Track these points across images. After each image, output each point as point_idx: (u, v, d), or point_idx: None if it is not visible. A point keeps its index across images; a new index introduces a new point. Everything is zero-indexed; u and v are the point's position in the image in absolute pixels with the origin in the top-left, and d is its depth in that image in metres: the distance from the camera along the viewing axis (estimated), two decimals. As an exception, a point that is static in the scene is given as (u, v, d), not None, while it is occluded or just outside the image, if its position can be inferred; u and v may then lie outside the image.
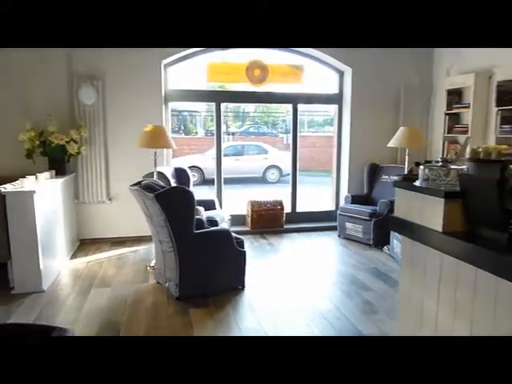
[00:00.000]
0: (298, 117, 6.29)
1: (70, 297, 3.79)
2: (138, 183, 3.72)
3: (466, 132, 5.28)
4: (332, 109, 6.42)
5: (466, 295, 2.01)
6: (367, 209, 5.46)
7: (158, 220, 3.50)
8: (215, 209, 5.30)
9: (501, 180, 2.07)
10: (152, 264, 4.45)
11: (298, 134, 6.36)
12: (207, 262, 3.65)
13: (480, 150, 2.42)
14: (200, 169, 10.94)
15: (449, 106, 5.58)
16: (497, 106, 4.78)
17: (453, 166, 2.31)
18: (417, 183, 2.32)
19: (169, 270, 3.72)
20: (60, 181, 4.64)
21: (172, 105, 6.00)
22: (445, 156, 5.19)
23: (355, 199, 5.88)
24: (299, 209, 6.48)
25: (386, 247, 5.17)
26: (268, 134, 13.79)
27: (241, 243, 3.85)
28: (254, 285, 4.04)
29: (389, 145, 5.08)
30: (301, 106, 6.28)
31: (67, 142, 4.86)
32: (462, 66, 5.52)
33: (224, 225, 4.93)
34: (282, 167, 11.44)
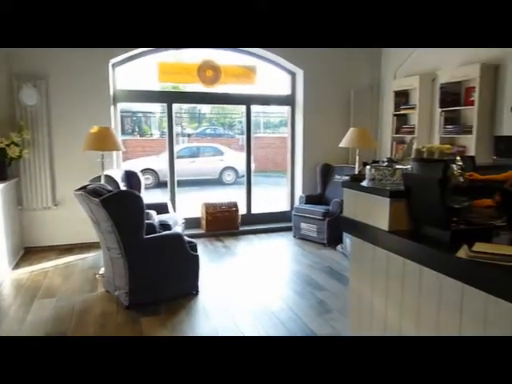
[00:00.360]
0: (253, 118, 6.28)
1: (12, 308, 3.56)
2: (84, 187, 3.55)
3: (412, 132, 5.47)
4: (286, 110, 6.44)
5: (412, 293, 2.05)
6: (320, 209, 5.53)
7: (105, 226, 3.35)
8: (168, 212, 5.17)
9: (443, 179, 2.13)
10: (101, 272, 4.27)
11: (253, 135, 6.35)
12: (158, 267, 3.54)
13: (424, 149, 2.48)
14: (154, 171, 10.70)
15: (396, 107, 5.76)
16: (440, 107, 4.97)
17: (398, 166, 2.36)
18: (364, 183, 2.35)
19: (118, 278, 3.57)
20: (0, 186, 4.36)
21: (123, 106, 5.82)
22: (393, 156, 5.34)
23: (309, 199, 5.93)
24: (255, 210, 6.46)
25: (339, 246, 5.25)
26: (224, 136, 13.71)
27: (194, 247, 3.77)
28: (209, 289, 3.97)
29: (340, 145, 5.17)
30: (256, 108, 6.28)
31: (7, 145, 4.59)
32: (408, 69, 5.72)
33: (178, 228, 4.82)
34: (238, 168, 11.41)
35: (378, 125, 6.33)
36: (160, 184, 9.93)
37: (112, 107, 5.44)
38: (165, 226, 4.34)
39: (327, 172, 6.05)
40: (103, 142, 4.11)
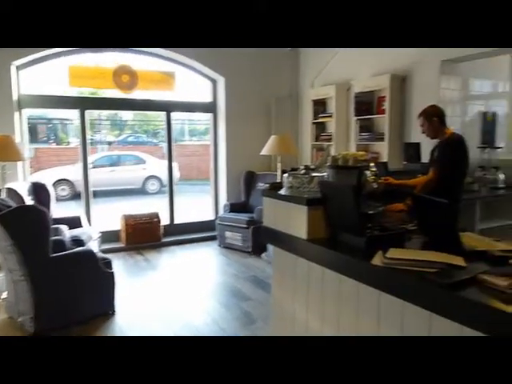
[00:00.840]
0: (177, 125, 6.11)
1: None
2: (-22, 203, 3.15)
3: (330, 140, 5.64)
4: (209, 117, 6.34)
5: (332, 301, 2.03)
6: (245, 217, 5.48)
7: (5, 246, 2.99)
8: (82, 226, 4.81)
9: (357, 186, 2.15)
10: (3, 296, 3.83)
11: (176, 142, 6.16)
12: (68, 288, 3.23)
13: (339, 157, 2.51)
14: (70, 182, 10.01)
15: (315, 115, 5.91)
16: (355, 115, 5.18)
17: (315, 174, 2.36)
18: (282, 191, 2.32)
19: (22, 302, 3.21)
20: None
21: (33, 112, 5.33)
22: (313, 163, 5.46)
23: (234, 207, 5.87)
24: (178, 220, 6.25)
25: (264, 254, 5.23)
26: (148, 143, 13.24)
27: (108, 263, 3.51)
28: (127, 307, 3.71)
29: (261, 153, 5.17)
30: (178, 115, 6.10)
31: None
32: (324, 78, 5.90)
33: (93, 244, 4.48)
34: (161, 177, 11.05)
35: (299, 132, 6.45)
36: (77, 195, 9.28)
37: (17, 113, 4.96)
38: (77, 241, 4.01)
39: (251, 179, 6.04)
40: (3, 151, 3.70)
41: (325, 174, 2.36)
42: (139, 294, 4.12)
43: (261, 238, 2.90)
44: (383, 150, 4.89)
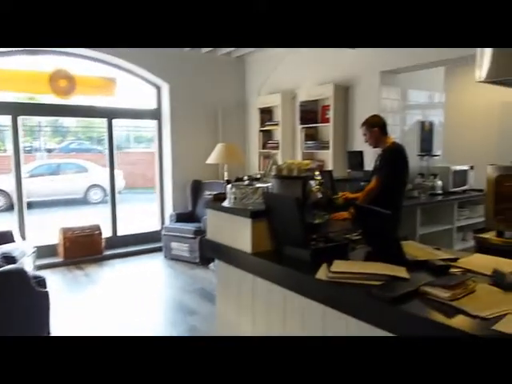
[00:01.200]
0: (122, 132, 5.84)
1: None
2: None
3: (277, 147, 5.65)
4: (154, 124, 6.14)
5: (277, 316, 1.98)
6: (192, 227, 5.34)
7: None
8: (14, 241, 4.45)
9: (301, 197, 2.12)
10: None
11: (116, 150, 5.91)
12: (-5, 311, 2.95)
13: (283, 166, 2.48)
14: (6, 192, 9.33)
15: (262, 123, 5.90)
16: (301, 123, 5.22)
17: (259, 184, 2.30)
18: (225, 203, 2.24)
19: None
20: None
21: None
22: (260, 171, 5.44)
23: (180, 217, 5.71)
24: (122, 231, 5.99)
25: (211, 264, 5.11)
26: (92, 151, 12.65)
27: (42, 282, 3.25)
28: (64, 328, 3.46)
29: (207, 161, 5.08)
30: (121, 121, 5.85)
31: None
32: (270, 87, 5.92)
33: (26, 260, 4.15)
34: (105, 186, 10.59)
35: (246, 140, 6.42)
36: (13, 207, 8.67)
37: None
38: (8, 258, 3.69)
39: (198, 188, 5.91)
40: None
41: (269, 184, 2.32)
42: (78, 312, 3.86)
43: (204, 252, 2.80)
44: (328, 158, 4.96)
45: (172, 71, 5.75)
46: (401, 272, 1.58)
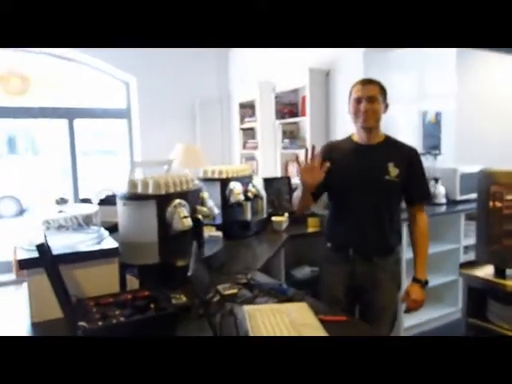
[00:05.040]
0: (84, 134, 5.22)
1: None
2: None
3: (256, 148, 4.84)
4: (122, 124, 5.50)
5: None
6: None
7: None
8: None
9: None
10: None
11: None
12: None
13: (137, 181, 1.71)
14: None
15: (242, 119, 5.11)
16: (277, 118, 4.39)
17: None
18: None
19: None
20: None
21: None
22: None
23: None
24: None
25: None
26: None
27: None
28: None
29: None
30: (82, 121, 5.26)
31: None
32: (251, 77, 5.09)
33: None
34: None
35: (231, 140, 5.63)
36: None
37: None
38: None
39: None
40: None
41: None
42: None
43: None
44: (307, 159, 4.08)
45: (139, 64, 5.07)
46: None
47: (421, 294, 1.92)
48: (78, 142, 5.21)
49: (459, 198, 3.60)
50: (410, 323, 3.28)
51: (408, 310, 1.97)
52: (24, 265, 1.26)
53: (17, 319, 1.35)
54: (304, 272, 3.07)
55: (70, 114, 5.09)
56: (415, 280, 1.94)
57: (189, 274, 0.99)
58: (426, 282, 1.95)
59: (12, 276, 2.01)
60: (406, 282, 2.11)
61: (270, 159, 4.76)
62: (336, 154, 1.96)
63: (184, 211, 1.65)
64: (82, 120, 5.25)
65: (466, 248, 3.50)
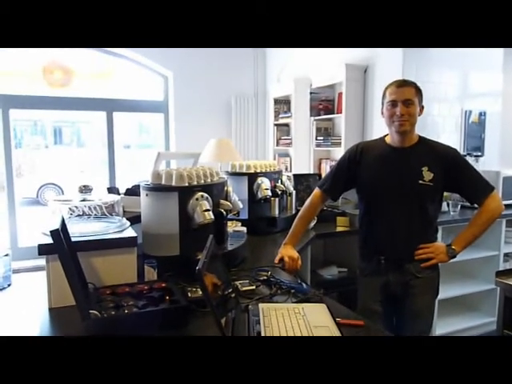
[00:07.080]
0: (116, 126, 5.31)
1: None
2: None
3: (290, 144, 4.78)
4: (158, 117, 5.58)
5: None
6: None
7: None
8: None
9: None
10: None
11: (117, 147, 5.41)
12: None
13: (164, 173, 1.71)
14: None
15: (276, 115, 5.06)
16: (311, 115, 4.32)
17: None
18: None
19: None
20: None
21: None
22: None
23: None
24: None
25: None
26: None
27: None
28: None
29: (201, 160, 4.36)
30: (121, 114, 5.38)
31: None
32: (288, 73, 5.03)
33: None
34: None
35: (266, 136, 5.59)
36: None
37: None
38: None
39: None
40: None
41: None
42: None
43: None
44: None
45: (177, 58, 5.13)
46: None
47: (443, 254, 1.80)
48: (120, 136, 5.33)
49: (501, 202, 3.40)
50: (443, 331, 3.14)
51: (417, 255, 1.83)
52: (43, 250, 1.28)
53: (38, 304, 1.38)
54: (331, 272, 3.00)
55: (108, 107, 5.21)
56: (448, 245, 1.83)
57: (197, 268, 0.97)
58: (454, 256, 1.83)
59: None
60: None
61: (303, 156, 4.70)
62: (367, 157, 1.87)
63: (206, 204, 1.63)
64: (122, 114, 5.39)
65: (507, 255, 3.31)
